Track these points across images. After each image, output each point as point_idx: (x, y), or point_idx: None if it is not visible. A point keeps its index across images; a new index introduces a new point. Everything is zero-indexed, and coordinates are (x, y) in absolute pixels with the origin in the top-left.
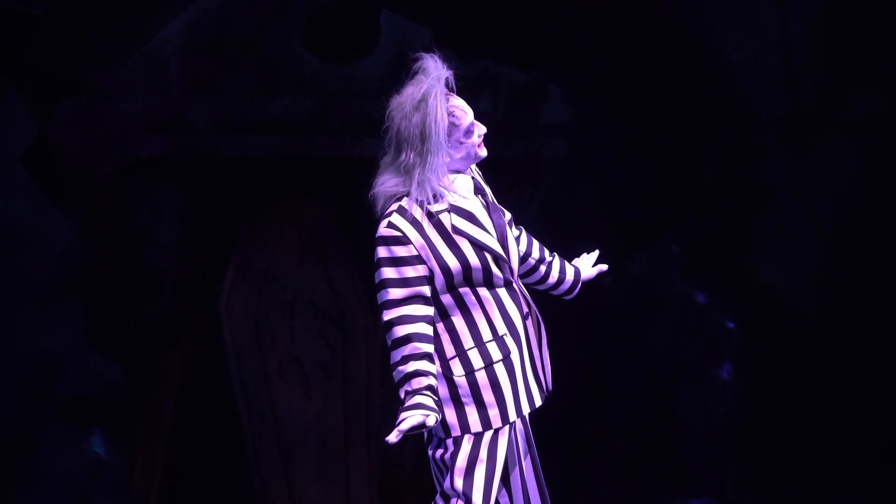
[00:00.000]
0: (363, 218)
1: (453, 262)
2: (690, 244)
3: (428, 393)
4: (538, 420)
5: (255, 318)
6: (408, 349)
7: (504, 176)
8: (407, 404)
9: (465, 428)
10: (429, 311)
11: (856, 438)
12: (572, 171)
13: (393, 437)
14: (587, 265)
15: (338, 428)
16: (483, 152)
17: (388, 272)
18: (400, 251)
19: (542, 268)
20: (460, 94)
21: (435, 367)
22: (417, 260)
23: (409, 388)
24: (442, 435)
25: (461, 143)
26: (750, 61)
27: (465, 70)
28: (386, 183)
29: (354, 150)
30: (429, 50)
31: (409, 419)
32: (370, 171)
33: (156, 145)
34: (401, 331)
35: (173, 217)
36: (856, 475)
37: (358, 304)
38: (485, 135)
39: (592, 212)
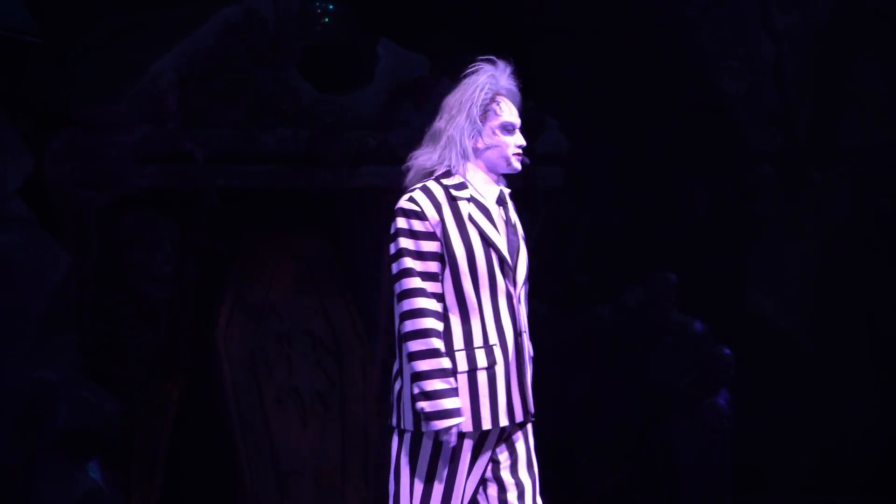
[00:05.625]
0: (359, 249)
1: (460, 249)
2: (684, 275)
3: (450, 382)
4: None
5: (251, 350)
6: (425, 323)
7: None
8: (432, 395)
9: (418, 426)
10: (440, 288)
11: (848, 470)
12: (568, 201)
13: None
14: None
15: (335, 459)
16: (516, 164)
17: (406, 242)
18: (417, 225)
19: None
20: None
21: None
22: (433, 237)
23: (427, 368)
24: (410, 428)
25: (494, 133)
26: (744, 94)
27: None
28: (417, 154)
29: (351, 181)
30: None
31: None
32: (367, 202)
33: (152, 177)
34: (417, 303)
35: (169, 249)
36: None
37: (354, 335)
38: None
39: (588, 242)
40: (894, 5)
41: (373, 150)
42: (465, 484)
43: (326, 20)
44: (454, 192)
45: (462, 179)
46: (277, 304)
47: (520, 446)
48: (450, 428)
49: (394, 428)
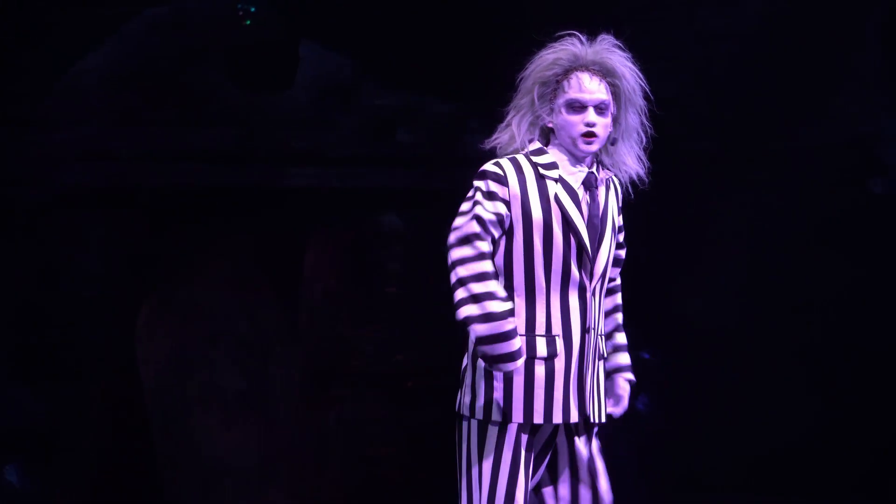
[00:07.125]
0: (285, 249)
1: (539, 229)
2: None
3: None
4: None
5: (174, 349)
6: (480, 266)
7: (425, 208)
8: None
9: (487, 414)
10: (489, 249)
11: (782, 473)
12: None
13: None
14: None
15: (257, 460)
16: (583, 146)
17: (479, 196)
18: (495, 187)
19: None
20: (383, 124)
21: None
22: (506, 205)
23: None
24: (466, 413)
25: (560, 111)
26: (674, 96)
27: (386, 100)
28: (494, 137)
29: (277, 181)
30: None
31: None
32: (293, 203)
33: (79, 176)
34: (476, 247)
35: (96, 248)
36: None
37: (279, 335)
38: (593, 129)
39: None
40: (834, 8)
41: (297, 150)
42: (526, 477)
43: (248, 22)
44: (543, 171)
45: (553, 158)
46: (202, 303)
47: (580, 457)
48: (513, 354)
49: (461, 416)
